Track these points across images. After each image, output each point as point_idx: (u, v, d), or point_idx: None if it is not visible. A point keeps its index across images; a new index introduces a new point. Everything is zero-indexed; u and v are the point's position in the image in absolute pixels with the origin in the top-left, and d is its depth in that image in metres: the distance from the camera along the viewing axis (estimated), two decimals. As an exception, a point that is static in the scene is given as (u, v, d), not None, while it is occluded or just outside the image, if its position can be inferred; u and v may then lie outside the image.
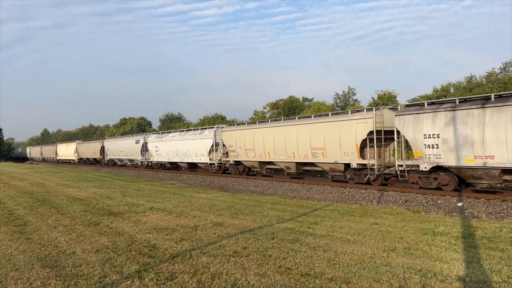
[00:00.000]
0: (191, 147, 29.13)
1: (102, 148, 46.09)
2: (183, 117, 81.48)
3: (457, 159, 13.13)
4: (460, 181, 13.87)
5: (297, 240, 7.49)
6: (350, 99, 49.14)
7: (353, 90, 49.93)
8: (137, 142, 37.97)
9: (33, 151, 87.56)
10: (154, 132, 42.49)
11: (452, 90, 37.04)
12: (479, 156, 12.49)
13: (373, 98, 41.01)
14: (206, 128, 28.82)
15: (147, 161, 36.32)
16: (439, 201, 12.79)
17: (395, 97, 39.02)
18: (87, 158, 50.71)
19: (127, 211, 11.51)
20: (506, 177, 12.42)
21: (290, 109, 48.60)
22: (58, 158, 63.71)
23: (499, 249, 6.79)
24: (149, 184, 21.70)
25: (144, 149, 36.35)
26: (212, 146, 26.16)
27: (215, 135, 26.16)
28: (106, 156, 45.15)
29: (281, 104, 50.79)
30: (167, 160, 33.38)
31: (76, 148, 56.27)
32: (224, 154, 25.23)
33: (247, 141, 22.58)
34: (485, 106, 12.38)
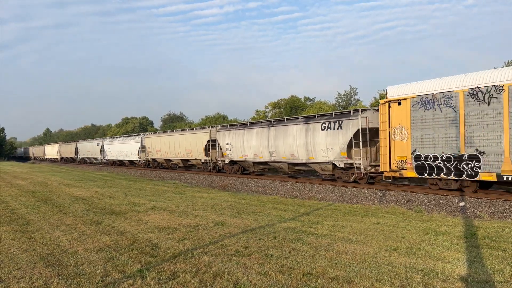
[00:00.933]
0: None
1: (76, 149, 58.89)
2: (185, 116, 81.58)
3: (237, 156, 24.03)
4: (244, 169, 25.19)
5: (299, 240, 7.49)
6: (352, 99, 49.11)
7: (355, 89, 49.94)
8: (98, 144, 49.90)
9: (30, 151, 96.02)
10: (108, 137, 55.55)
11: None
12: (244, 155, 23.38)
13: (375, 97, 40.96)
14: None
15: (105, 159, 47.60)
16: (441, 201, 12.78)
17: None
18: (67, 157, 63.79)
19: (129, 210, 11.53)
20: (262, 166, 23.49)
21: (292, 109, 48.56)
22: (45, 157, 76.99)
23: (502, 249, 6.78)
24: (151, 184, 21.74)
25: (102, 149, 47.87)
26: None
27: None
28: (79, 155, 57.70)
29: (283, 104, 50.76)
30: (115, 158, 44.72)
31: (59, 148, 68.39)
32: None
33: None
34: (245, 128, 23.74)
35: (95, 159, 51.40)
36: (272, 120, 23.00)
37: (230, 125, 26.83)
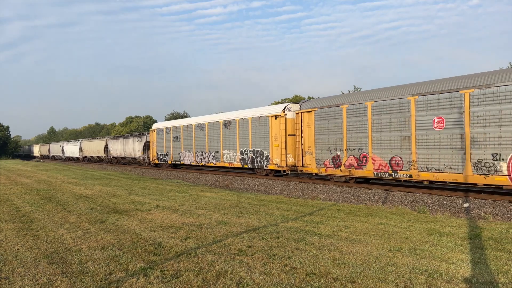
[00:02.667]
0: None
1: (62, 148, 68.30)
2: (189, 115, 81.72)
3: (116, 155, 41.38)
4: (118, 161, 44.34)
5: (302, 240, 7.48)
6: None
7: (359, 89, 49.79)
8: (70, 144, 62.60)
9: (44, 149, 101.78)
10: (71, 140, 68.82)
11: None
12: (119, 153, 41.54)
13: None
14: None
15: (83, 157, 58.35)
16: (445, 202, 12.73)
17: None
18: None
19: (132, 209, 11.56)
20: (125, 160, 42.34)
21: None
22: (65, 155, 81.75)
23: (506, 250, 6.74)
24: (154, 183, 21.78)
25: (80, 148, 58.69)
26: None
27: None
28: (64, 154, 66.87)
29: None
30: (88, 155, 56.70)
31: (49, 148, 78.72)
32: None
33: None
34: (118, 138, 42.52)
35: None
36: (133, 134, 41.92)
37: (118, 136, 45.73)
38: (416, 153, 14.15)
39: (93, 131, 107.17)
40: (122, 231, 8.40)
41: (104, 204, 12.55)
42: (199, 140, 28.38)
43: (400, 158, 14.73)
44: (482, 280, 5.22)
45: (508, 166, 11.75)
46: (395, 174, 14.90)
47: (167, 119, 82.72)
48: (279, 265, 5.85)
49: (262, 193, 17.73)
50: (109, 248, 7.00)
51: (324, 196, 15.75)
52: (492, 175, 12.09)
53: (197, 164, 28.57)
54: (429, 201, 13.06)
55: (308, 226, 8.80)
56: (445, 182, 13.53)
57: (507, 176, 11.74)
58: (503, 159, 11.84)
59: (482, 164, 12.31)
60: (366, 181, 17.91)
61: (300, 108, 19.51)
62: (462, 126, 12.86)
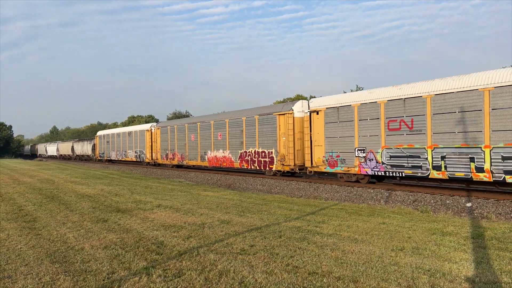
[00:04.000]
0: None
1: (46, 148, 79.81)
2: (190, 115, 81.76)
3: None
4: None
5: (304, 239, 7.47)
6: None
7: (361, 89, 49.70)
8: (51, 144, 75.97)
9: (67, 147, 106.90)
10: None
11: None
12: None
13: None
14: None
15: (48, 155, 76.57)
16: (447, 201, 12.69)
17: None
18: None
19: (135, 208, 11.57)
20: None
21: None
22: (28, 153, 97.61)
23: (509, 250, 6.72)
24: (157, 182, 21.81)
25: (57, 149, 70.26)
26: None
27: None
28: (47, 153, 78.07)
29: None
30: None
31: (37, 147, 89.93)
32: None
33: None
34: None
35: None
36: (87, 138, 49.40)
37: (79, 139, 54.07)
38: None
39: (95, 130, 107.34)
40: (124, 230, 8.41)
41: (106, 203, 12.57)
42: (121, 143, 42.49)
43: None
44: (485, 280, 5.20)
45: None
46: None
47: (169, 119, 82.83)
48: (281, 265, 5.84)
49: (264, 192, 17.73)
50: (112, 247, 7.01)
51: (326, 196, 15.73)
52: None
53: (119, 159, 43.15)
54: (432, 201, 13.03)
55: (310, 226, 8.79)
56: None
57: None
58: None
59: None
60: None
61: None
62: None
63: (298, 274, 5.42)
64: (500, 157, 11.72)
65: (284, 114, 20.12)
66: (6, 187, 18.28)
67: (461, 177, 12.71)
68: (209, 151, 26.42)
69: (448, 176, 13.03)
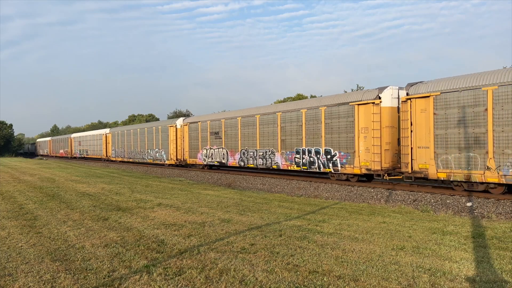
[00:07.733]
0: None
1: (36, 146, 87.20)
2: (191, 114, 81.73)
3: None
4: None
5: (304, 238, 7.48)
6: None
7: (361, 88, 49.68)
8: (33, 144, 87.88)
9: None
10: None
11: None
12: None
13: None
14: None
15: (40, 154, 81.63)
16: (448, 201, 12.69)
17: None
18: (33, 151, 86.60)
19: (135, 206, 11.58)
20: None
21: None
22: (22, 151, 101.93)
23: (510, 249, 6.72)
24: (157, 181, 21.82)
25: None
26: None
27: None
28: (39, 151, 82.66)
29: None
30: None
31: (28, 146, 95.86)
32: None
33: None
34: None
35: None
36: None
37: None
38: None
39: (96, 129, 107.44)
40: (125, 229, 8.42)
41: (107, 202, 12.58)
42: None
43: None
44: (486, 279, 5.20)
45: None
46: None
47: (169, 117, 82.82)
48: (282, 263, 5.85)
49: (264, 191, 17.73)
50: (112, 245, 7.01)
51: (326, 195, 15.73)
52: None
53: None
54: (432, 200, 13.03)
55: (310, 225, 8.80)
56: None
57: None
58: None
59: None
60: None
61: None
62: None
63: (298, 272, 5.42)
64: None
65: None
66: (7, 185, 18.30)
67: None
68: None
69: None
